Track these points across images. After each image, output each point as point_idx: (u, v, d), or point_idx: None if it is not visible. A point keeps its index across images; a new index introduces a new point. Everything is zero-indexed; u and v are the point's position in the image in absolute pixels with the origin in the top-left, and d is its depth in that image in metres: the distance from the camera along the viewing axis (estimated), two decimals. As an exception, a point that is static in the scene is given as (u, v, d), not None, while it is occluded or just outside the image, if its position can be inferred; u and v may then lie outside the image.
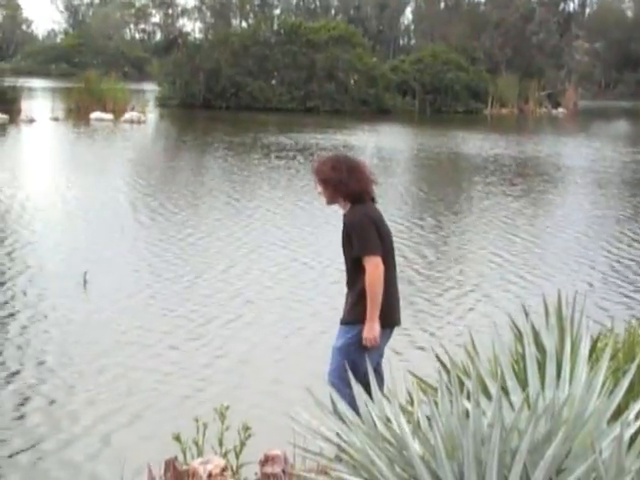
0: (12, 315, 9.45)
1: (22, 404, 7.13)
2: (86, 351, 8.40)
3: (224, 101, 51.40)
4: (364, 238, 5.61)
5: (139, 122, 38.72)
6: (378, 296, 5.57)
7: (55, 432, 6.69)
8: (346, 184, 5.76)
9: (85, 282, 10.69)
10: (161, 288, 10.83)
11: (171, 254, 12.72)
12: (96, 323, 9.38)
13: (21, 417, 6.91)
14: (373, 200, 5.91)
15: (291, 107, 51.48)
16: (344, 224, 5.77)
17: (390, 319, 5.86)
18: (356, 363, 5.45)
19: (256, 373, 8.07)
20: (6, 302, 9.96)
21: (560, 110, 61.62)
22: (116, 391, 7.44)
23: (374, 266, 5.55)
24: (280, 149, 28.91)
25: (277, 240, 14.03)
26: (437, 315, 10.12)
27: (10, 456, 6.24)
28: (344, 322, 5.85)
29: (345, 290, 5.94)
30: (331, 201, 5.92)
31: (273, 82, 53.58)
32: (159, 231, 14.53)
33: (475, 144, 33.51)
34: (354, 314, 5.73)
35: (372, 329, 5.65)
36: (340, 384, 5.39)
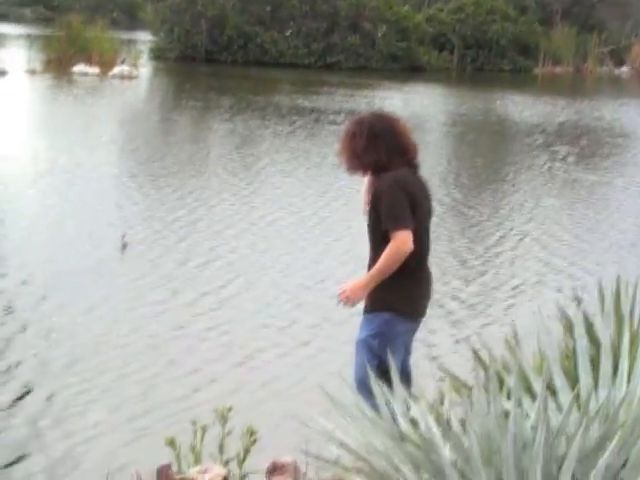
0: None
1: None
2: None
3: (230, 54, 51.27)
4: (392, 209, 5.56)
5: (130, 77, 38.59)
6: (387, 269, 5.53)
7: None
8: (361, 155, 5.75)
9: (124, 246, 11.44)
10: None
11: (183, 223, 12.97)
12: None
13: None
14: (413, 167, 5.85)
15: (308, 63, 51.39)
16: (372, 195, 5.74)
17: (417, 308, 5.86)
18: (381, 358, 5.47)
19: (263, 367, 8.13)
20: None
21: (624, 69, 61.19)
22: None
23: (401, 241, 5.48)
24: (294, 112, 28.99)
25: (290, 217, 14.26)
26: (475, 304, 10.22)
27: None
28: (367, 311, 5.86)
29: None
30: (349, 170, 5.93)
31: (288, 33, 53.33)
32: (152, 207, 14.54)
33: (524, 108, 33.44)
34: (378, 301, 5.73)
35: (356, 290, 5.65)
36: (364, 382, 5.43)
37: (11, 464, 6.22)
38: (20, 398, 7.12)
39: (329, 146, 21.01)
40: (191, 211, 14.18)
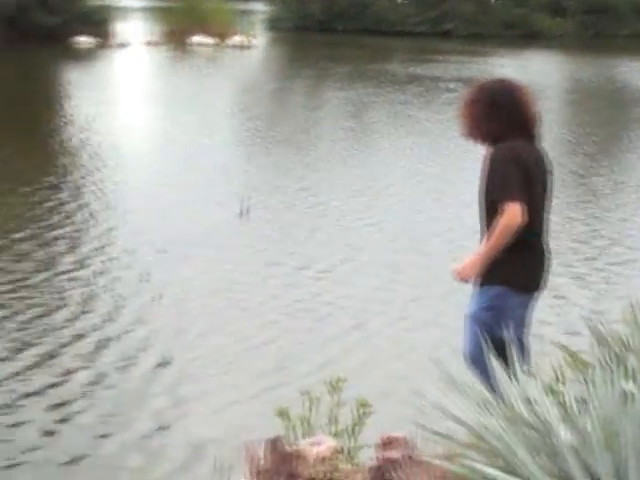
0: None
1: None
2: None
3: (344, 23, 51.17)
4: (504, 180, 5.36)
5: (246, 48, 39.02)
6: (500, 244, 5.30)
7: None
8: (480, 123, 5.57)
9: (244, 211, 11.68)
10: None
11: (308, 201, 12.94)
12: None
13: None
14: (533, 138, 5.65)
15: (421, 30, 50.96)
16: (486, 165, 5.57)
17: (534, 281, 5.66)
18: (494, 332, 5.32)
19: (377, 337, 8.02)
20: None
21: None
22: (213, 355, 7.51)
23: (512, 213, 5.26)
24: (409, 80, 28.77)
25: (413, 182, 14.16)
26: (594, 279, 9.94)
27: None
28: (478, 283, 5.71)
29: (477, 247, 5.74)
30: (467, 137, 5.77)
31: (401, 1, 53.00)
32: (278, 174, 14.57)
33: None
34: (490, 274, 5.57)
35: (470, 267, 5.47)
36: (476, 357, 5.30)
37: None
38: (156, 367, 7.16)
39: (444, 114, 20.94)
40: (310, 180, 14.16)
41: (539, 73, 33.11)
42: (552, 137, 17.79)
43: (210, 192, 13.07)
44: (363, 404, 5.17)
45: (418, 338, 7.96)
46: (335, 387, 5.21)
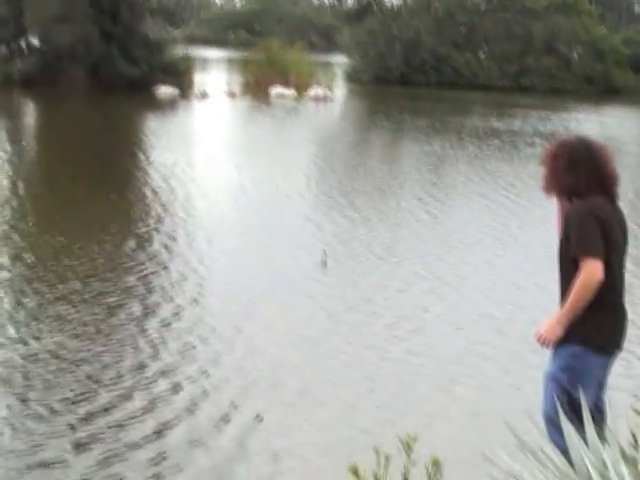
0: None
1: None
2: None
3: (423, 76, 51.52)
4: (583, 236, 5.34)
5: (325, 99, 39.31)
6: (580, 302, 5.29)
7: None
8: (560, 177, 5.58)
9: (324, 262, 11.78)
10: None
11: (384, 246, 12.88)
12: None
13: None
14: (611, 196, 5.64)
15: (502, 85, 51.06)
16: (564, 221, 5.55)
17: (612, 341, 5.59)
18: (570, 394, 5.27)
19: (455, 397, 7.89)
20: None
21: None
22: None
23: (591, 271, 5.25)
24: (489, 133, 28.78)
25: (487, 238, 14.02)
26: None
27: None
28: (556, 342, 5.66)
29: (556, 306, 5.68)
30: (546, 191, 5.79)
31: (481, 55, 53.20)
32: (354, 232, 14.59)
33: None
34: (568, 333, 5.52)
35: (552, 329, 5.40)
36: (552, 417, 5.24)
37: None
38: (226, 415, 7.15)
39: (525, 168, 20.90)
40: (389, 232, 14.13)
41: (619, 128, 33.09)
42: (632, 193, 17.62)
43: (290, 242, 13.16)
44: (435, 462, 5.12)
45: (497, 398, 7.81)
46: (408, 445, 5.16)
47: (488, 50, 52.80)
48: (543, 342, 5.51)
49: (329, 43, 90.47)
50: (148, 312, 9.65)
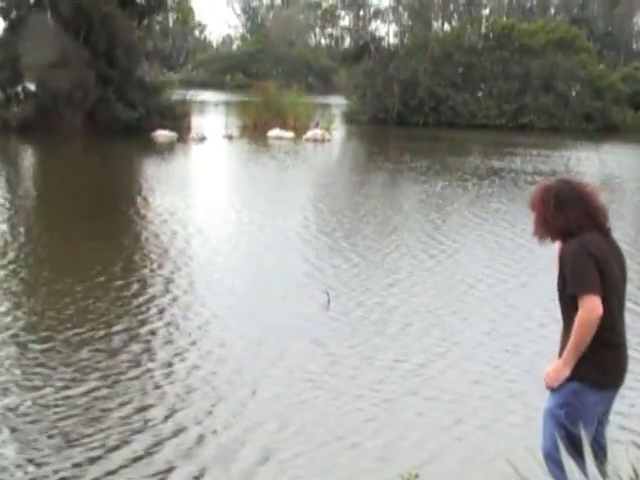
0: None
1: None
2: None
3: (421, 117, 51.87)
4: (578, 273, 5.44)
5: (323, 141, 39.45)
6: (583, 340, 5.37)
7: None
8: (550, 221, 5.68)
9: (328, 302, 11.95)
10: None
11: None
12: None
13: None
14: (604, 231, 5.73)
15: (500, 123, 51.53)
16: (559, 260, 5.63)
17: (611, 377, 5.66)
18: (569, 430, 5.36)
19: (456, 436, 7.93)
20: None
21: None
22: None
23: (589, 307, 5.33)
24: (490, 173, 28.99)
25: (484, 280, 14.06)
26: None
27: None
28: (554, 379, 5.74)
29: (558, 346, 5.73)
30: (538, 237, 5.88)
31: (479, 94, 53.49)
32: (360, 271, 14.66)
33: None
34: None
35: (558, 372, 5.50)
36: (551, 454, 5.33)
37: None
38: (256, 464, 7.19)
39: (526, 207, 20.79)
40: (393, 274, 14.17)
41: (619, 166, 33.20)
42: (634, 230, 17.23)
43: (295, 285, 13.26)
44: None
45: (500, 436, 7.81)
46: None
47: (486, 89, 53.16)
48: (551, 384, 5.59)
49: (326, 84, 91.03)
50: (150, 355, 9.79)
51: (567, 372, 5.48)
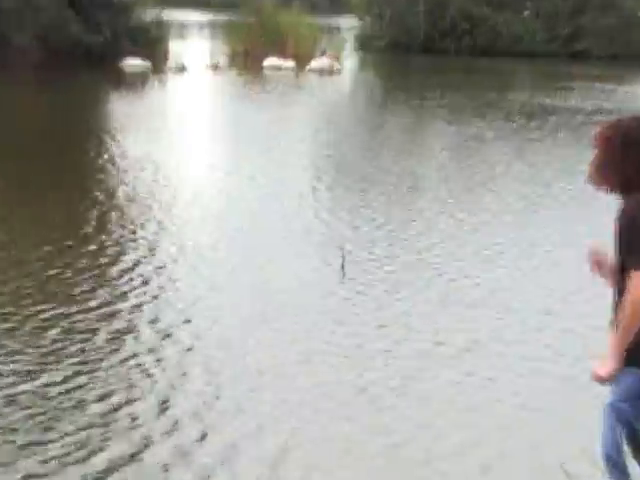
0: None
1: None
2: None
3: (453, 42, 51.94)
4: (635, 242, 5.44)
5: (331, 72, 39.40)
6: (632, 325, 5.35)
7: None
8: (611, 165, 5.59)
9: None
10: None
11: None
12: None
13: None
14: None
15: (550, 50, 51.45)
16: (616, 220, 5.56)
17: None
18: (632, 426, 5.40)
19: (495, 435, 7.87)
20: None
21: None
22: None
23: (638, 286, 5.33)
24: (538, 112, 28.82)
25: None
26: None
27: None
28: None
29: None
30: (594, 182, 5.79)
31: (525, 14, 53.05)
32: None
33: None
34: (625, 355, 5.53)
35: (604, 365, 5.51)
36: (612, 455, 5.34)
37: None
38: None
39: (586, 155, 20.53)
40: (413, 232, 14.33)
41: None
42: None
43: (303, 244, 13.48)
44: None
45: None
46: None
47: (533, 8, 52.71)
48: (601, 380, 5.60)
49: (334, 2, 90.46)
50: (136, 334, 9.81)
51: (613, 364, 5.50)
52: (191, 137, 23.27)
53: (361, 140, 24.26)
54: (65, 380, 8.56)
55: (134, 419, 7.88)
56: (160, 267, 12.19)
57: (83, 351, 9.25)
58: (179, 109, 28.81)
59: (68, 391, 8.33)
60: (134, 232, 13.87)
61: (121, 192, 16.47)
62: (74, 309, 10.42)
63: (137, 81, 34.44)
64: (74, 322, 10.03)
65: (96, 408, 8.04)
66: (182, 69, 37.87)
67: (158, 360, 9.17)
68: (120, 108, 28.20)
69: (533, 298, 11.50)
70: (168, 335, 9.82)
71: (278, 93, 32.36)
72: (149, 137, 22.23)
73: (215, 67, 39.07)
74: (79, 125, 24.98)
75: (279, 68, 39.48)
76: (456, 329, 10.30)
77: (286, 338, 9.87)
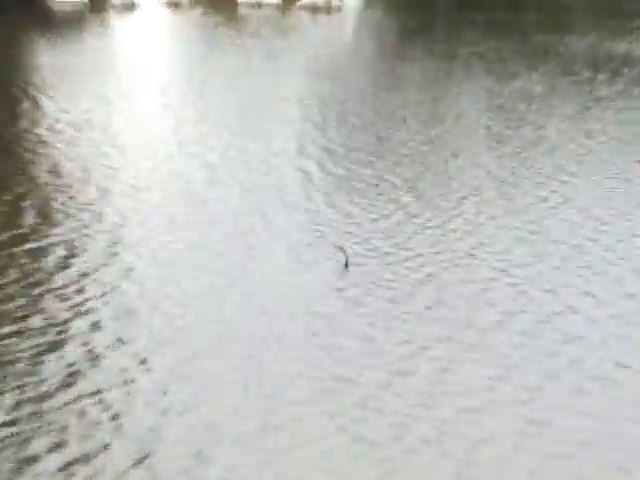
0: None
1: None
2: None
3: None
4: None
5: (329, 10, 39.15)
6: None
7: None
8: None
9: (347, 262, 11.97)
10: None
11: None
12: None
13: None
14: None
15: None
16: None
17: None
18: None
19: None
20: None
21: None
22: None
23: None
24: (607, 62, 27.67)
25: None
26: None
27: None
28: None
29: None
30: None
31: None
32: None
33: None
34: None
35: None
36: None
37: None
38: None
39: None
40: (433, 225, 13.03)
41: None
42: None
43: (299, 237, 12.50)
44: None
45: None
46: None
47: None
48: None
49: None
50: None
51: None
52: (144, 95, 21.94)
53: (369, 100, 22.57)
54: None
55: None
56: (128, 269, 11.24)
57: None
58: (125, 61, 27.26)
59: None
60: (87, 227, 12.65)
61: (64, 166, 15.40)
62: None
63: (70, 22, 33.41)
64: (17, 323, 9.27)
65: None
66: (131, 6, 37.22)
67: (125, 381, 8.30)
68: (49, 58, 26.72)
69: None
70: (147, 351, 9.06)
71: (259, 38, 31.05)
72: (86, 93, 21.26)
73: (175, 4, 38.40)
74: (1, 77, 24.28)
75: (259, 4, 38.74)
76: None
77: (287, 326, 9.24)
